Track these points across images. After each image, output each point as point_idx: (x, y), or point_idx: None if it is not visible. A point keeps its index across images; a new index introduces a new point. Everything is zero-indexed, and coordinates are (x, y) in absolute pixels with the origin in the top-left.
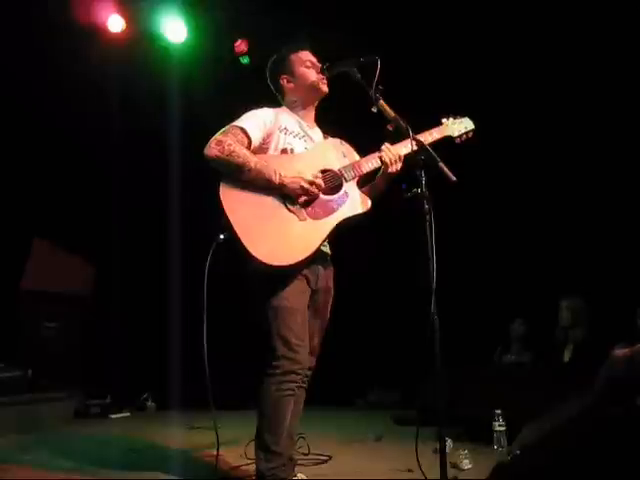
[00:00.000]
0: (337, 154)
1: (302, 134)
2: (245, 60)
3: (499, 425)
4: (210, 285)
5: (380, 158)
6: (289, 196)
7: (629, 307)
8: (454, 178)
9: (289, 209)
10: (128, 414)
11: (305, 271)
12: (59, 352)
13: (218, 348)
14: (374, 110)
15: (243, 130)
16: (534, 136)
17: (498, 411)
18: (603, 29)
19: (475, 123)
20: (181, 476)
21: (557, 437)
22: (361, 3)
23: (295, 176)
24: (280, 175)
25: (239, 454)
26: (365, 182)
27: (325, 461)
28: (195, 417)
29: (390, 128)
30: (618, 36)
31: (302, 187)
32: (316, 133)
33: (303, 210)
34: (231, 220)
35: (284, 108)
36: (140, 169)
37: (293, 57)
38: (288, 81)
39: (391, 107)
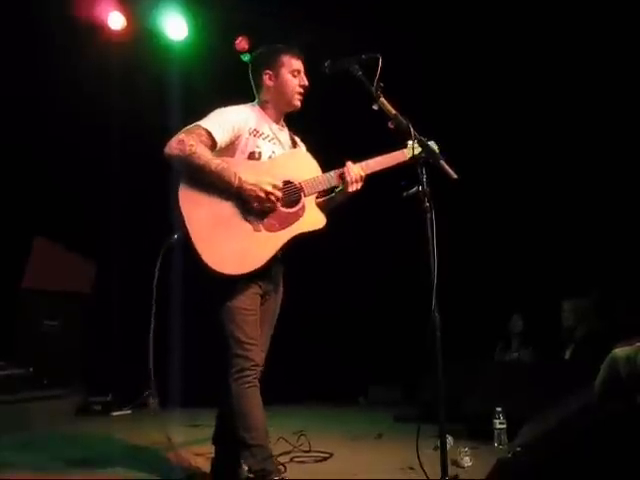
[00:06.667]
0: (299, 167)
1: (271, 136)
2: (246, 57)
3: (500, 423)
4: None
5: (341, 175)
6: (247, 204)
7: (628, 305)
8: (455, 175)
9: (246, 219)
10: (129, 412)
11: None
12: (60, 350)
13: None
14: (375, 107)
15: (208, 132)
16: (535, 132)
17: (499, 409)
18: (603, 27)
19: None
20: (181, 473)
21: (557, 434)
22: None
23: (255, 183)
24: (240, 178)
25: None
26: (324, 194)
27: (326, 458)
28: (197, 414)
29: (391, 126)
30: (618, 32)
31: (258, 196)
32: (284, 135)
33: (259, 221)
34: (187, 223)
35: (256, 107)
36: (140, 166)
37: (285, 58)
38: (270, 78)
39: (392, 105)
